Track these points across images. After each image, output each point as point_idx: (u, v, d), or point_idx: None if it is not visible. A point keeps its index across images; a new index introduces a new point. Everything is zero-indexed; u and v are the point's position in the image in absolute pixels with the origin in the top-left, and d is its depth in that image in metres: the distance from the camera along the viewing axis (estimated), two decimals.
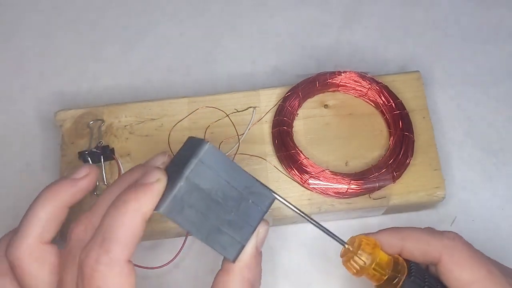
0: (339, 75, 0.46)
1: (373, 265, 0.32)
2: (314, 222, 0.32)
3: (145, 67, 0.54)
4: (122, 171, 0.44)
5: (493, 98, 0.51)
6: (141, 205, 0.27)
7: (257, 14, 0.56)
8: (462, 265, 0.31)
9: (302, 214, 0.32)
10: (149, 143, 0.45)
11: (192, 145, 0.29)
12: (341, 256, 0.33)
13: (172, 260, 0.39)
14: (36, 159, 0.50)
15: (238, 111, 0.46)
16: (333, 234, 0.32)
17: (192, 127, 0.45)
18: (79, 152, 0.44)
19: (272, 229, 0.46)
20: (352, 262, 0.32)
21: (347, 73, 0.46)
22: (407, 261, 0.33)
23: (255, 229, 0.30)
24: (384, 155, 0.44)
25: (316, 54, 0.54)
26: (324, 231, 0.32)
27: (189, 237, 0.39)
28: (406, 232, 0.34)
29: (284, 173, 0.44)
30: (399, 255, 0.33)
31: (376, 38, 0.54)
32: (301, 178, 0.43)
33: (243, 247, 0.30)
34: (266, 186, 0.30)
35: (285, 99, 0.45)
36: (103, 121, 0.46)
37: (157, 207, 0.28)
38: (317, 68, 0.49)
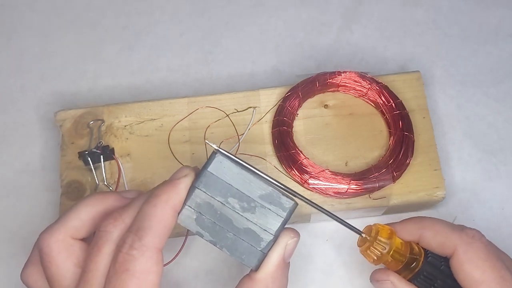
0: (339, 75, 0.46)
1: (391, 252, 0.33)
2: (329, 214, 0.32)
3: (145, 67, 0.54)
4: (122, 171, 0.44)
5: (493, 98, 0.51)
6: (169, 197, 0.29)
7: (257, 14, 0.56)
8: (474, 264, 0.32)
9: (324, 211, 0.32)
10: (149, 143, 0.45)
11: (209, 158, 0.30)
12: (358, 245, 0.34)
13: (172, 260, 0.39)
14: (36, 159, 0.50)
15: (238, 111, 0.46)
16: (349, 224, 0.33)
17: (192, 127, 0.45)
18: (79, 152, 0.44)
19: None
20: (370, 250, 0.33)
21: (347, 73, 0.46)
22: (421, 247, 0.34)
23: (276, 237, 0.30)
24: (384, 155, 0.44)
25: (316, 54, 0.54)
26: (340, 222, 0.32)
27: (189, 237, 0.39)
28: (426, 222, 0.34)
29: (284, 173, 0.44)
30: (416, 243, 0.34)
31: (376, 38, 0.54)
32: (301, 178, 0.43)
33: (264, 255, 0.30)
34: (285, 192, 0.30)
35: (285, 99, 0.45)
36: (103, 121, 0.46)
37: None
38: (317, 68, 0.49)
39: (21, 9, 0.57)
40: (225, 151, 0.30)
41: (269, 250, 0.30)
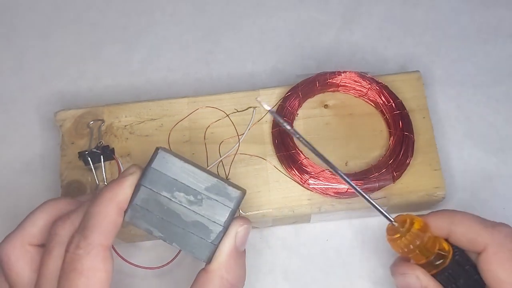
0: (339, 75, 0.46)
1: (421, 246, 0.32)
2: (360, 192, 0.32)
3: (145, 67, 0.54)
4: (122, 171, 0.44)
5: (493, 98, 0.51)
6: (114, 195, 0.29)
7: (257, 14, 0.56)
8: (503, 264, 0.31)
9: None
10: (149, 143, 0.45)
11: (152, 155, 0.31)
12: (388, 233, 0.33)
13: (172, 260, 0.39)
14: (36, 159, 0.50)
15: (238, 111, 0.46)
16: (381, 210, 0.32)
17: (192, 127, 0.45)
18: (79, 152, 0.44)
19: (272, 229, 0.46)
20: (402, 241, 0.32)
21: (347, 73, 0.46)
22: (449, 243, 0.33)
23: (226, 228, 0.30)
24: (384, 155, 0.44)
25: (316, 54, 0.54)
26: (373, 205, 0.32)
27: None
28: (457, 216, 0.34)
29: (284, 173, 0.44)
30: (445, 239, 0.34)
31: (376, 38, 0.54)
32: (301, 178, 0.43)
33: (215, 247, 0.30)
34: (231, 184, 0.31)
35: (285, 99, 0.45)
36: (103, 121, 0.46)
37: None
38: (317, 68, 0.49)
39: (21, 9, 0.57)
40: (165, 149, 0.30)
41: (219, 241, 0.30)
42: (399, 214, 0.34)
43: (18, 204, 0.48)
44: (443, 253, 0.33)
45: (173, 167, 0.30)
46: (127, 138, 0.46)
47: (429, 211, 0.46)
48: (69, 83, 0.54)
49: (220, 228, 0.30)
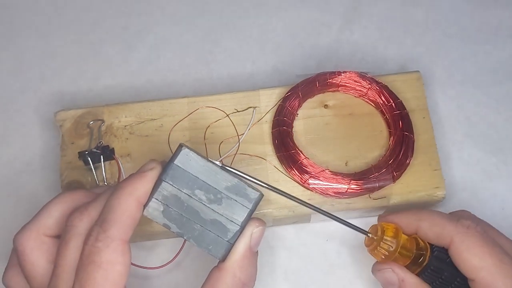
0: (339, 75, 0.46)
1: (398, 249, 0.34)
2: (331, 216, 0.34)
3: (145, 67, 0.54)
4: (122, 171, 0.44)
5: (493, 98, 0.51)
6: (134, 189, 0.29)
7: (257, 14, 0.56)
8: (472, 252, 0.32)
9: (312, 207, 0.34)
10: (149, 143, 0.45)
11: (175, 151, 0.31)
12: (366, 245, 0.35)
13: (172, 260, 0.39)
14: (36, 159, 0.50)
15: (238, 111, 0.46)
16: (355, 226, 0.34)
17: (192, 127, 0.45)
18: (79, 152, 0.44)
19: (272, 229, 0.46)
20: (378, 249, 0.34)
21: (347, 73, 0.46)
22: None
23: (242, 228, 0.31)
24: (384, 155, 0.44)
25: (316, 54, 0.54)
26: (344, 224, 0.34)
27: None
28: (423, 214, 0.35)
29: (284, 173, 0.44)
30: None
31: (376, 38, 0.54)
32: (301, 178, 0.43)
33: (231, 246, 0.31)
34: (253, 183, 0.31)
35: (285, 99, 0.45)
36: (103, 121, 0.46)
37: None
38: (317, 68, 0.49)
39: (21, 9, 0.57)
40: (188, 147, 0.31)
41: (235, 241, 0.30)
42: (372, 225, 0.36)
43: (18, 204, 0.48)
44: (421, 252, 0.34)
45: (195, 165, 0.30)
46: (127, 138, 0.46)
47: None
48: (69, 83, 0.54)
49: (237, 228, 0.31)
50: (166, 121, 0.46)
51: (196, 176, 0.30)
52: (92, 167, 0.44)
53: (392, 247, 0.34)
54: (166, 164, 0.31)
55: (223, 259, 0.31)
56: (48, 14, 0.57)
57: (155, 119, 0.46)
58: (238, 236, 0.31)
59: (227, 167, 0.31)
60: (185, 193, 0.30)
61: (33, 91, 0.53)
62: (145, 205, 0.30)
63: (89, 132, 0.45)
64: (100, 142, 0.44)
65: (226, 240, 0.31)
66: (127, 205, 0.29)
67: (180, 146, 0.31)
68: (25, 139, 0.51)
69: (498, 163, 0.48)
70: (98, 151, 0.44)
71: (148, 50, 0.55)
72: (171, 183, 0.30)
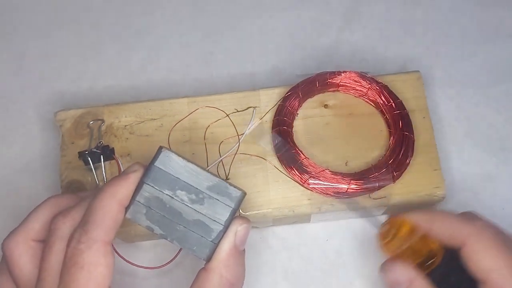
0: (339, 75, 0.46)
1: (413, 245, 0.33)
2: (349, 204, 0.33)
3: (145, 67, 0.54)
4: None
5: (493, 98, 0.51)
6: (116, 191, 0.30)
7: (257, 14, 0.56)
8: (484, 253, 0.32)
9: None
10: (149, 143, 0.45)
11: (156, 153, 0.31)
12: (379, 239, 0.35)
13: (172, 260, 0.39)
14: (36, 159, 0.50)
15: (238, 111, 0.46)
16: (371, 217, 0.34)
17: (192, 127, 0.45)
18: (79, 152, 0.44)
19: (272, 229, 0.46)
20: (391, 245, 0.34)
21: (347, 73, 0.46)
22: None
23: (226, 227, 0.31)
24: (384, 155, 0.44)
25: (316, 54, 0.54)
26: (361, 214, 0.33)
27: None
28: (435, 214, 0.35)
29: (284, 173, 0.44)
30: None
31: (376, 38, 0.54)
32: (301, 178, 0.43)
33: (215, 246, 0.31)
34: (232, 184, 0.31)
35: (285, 99, 0.45)
36: (103, 121, 0.46)
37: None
38: (317, 68, 0.49)
39: (21, 9, 0.57)
40: (169, 149, 0.31)
41: (220, 240, 0.30)
42: (389, 217, 0.35)
43: (18, 204, 0.48)
44: (433, 253, 0.34)
45: (176, 166, 0.30)
46: (127, 138, 0.46)
47: None
48: (69, 83, 0.54)
49: (221, 227, 0.30)
50: (166, 121, 0.46)
51: (177, 177, 0.30)
52: (92, 167, 0.44)
53: (405, 245, 0.33)
54: (147, 166, 0.31)
55: (208, 259, 0.31)
56: (48, 14, 0.57)
57: (155, 119, 0.46)
58: (222, 236, 0.31)
59: (204, 169, 0.31)
60: (166, 195, 0.30)
61: (33, 91, 0.53)
62: (127, 208, 0.30)
63: (89, 132, 0.45)
64: (100, 142, 0.44)
65: (210, 240, 0.30)
66: (109, 207, 0.29)
67: (160, 147, 0.31)
68: (25, 139, 0.51)
69: (498, 163, 0.48)
70: (98, 151, 0.44)
71: (148, 50, 0.55)
72: (153, 185, 0.30)
